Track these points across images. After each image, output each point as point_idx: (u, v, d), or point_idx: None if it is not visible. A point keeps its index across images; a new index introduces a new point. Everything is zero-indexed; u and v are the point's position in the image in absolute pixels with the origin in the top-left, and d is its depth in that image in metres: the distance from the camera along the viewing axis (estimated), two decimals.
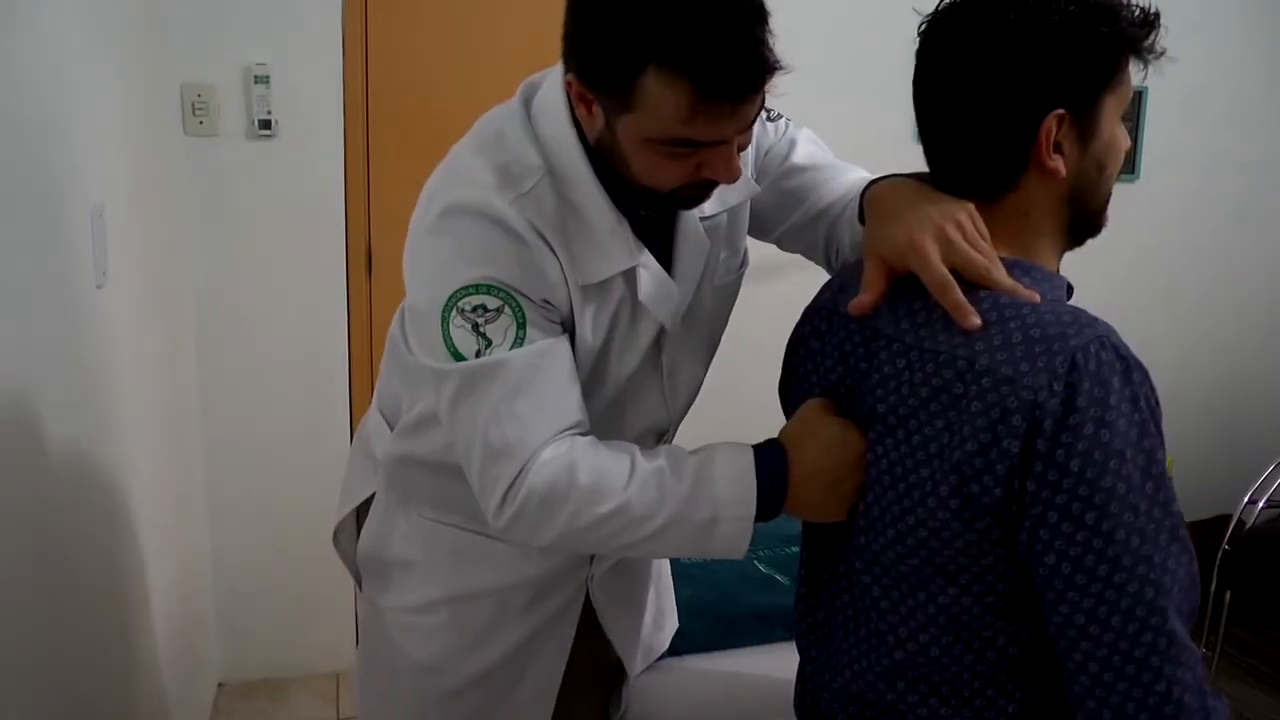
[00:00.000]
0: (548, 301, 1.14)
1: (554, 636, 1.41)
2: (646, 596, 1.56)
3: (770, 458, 1.10)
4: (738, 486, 1.09)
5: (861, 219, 1.15)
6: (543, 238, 1.13)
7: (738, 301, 1.39)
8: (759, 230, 1.38)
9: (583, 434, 1.14)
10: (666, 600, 1.65)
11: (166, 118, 2.49)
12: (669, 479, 1.10)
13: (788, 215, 1.34)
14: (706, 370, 1.38)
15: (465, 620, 1.37)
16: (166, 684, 2.06)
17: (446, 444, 1.20)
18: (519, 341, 1.11)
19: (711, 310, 1.34)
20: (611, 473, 1.10)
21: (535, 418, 1.10)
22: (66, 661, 1.40)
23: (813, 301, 1.21)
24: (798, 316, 1.23)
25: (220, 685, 2.84)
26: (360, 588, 1.50)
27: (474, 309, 1.10)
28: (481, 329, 1.10)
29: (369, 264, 2.76)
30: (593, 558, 1.41)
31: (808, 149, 1.35)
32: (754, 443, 1.14)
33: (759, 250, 1.42)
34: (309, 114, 2.63)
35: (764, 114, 1.34)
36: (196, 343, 2.65)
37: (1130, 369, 0.91)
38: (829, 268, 1.35)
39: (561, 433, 1.12)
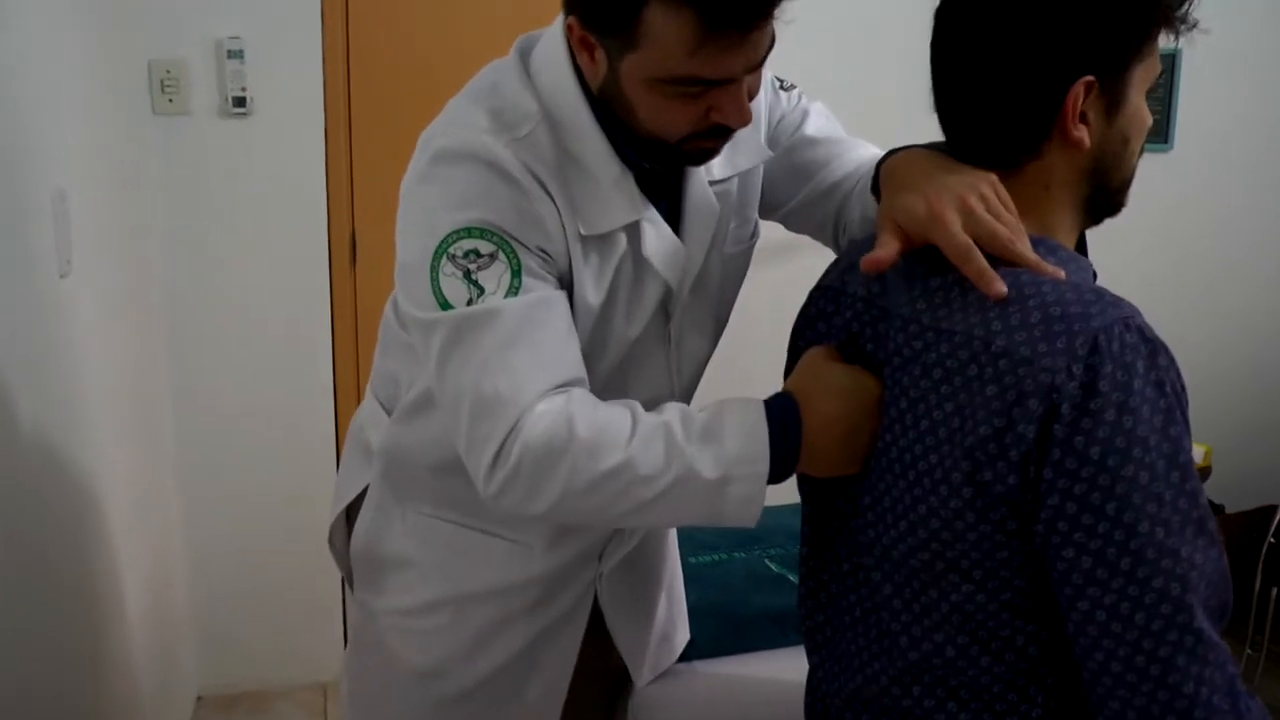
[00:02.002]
0: (544, 251, 1.14)
1: (560, 641, 1.41)
2: (657, 600, 1.56)
3: (782, 409, 1.09)
4: (750, 441, 1.07)
5: (875, 193, 1.16)
6: (540, 183, 1.14)
7: (747, 283, 1.40)
8: (767, 207, 1.39)
9: (580, 390, 1.13)
10: (678, 610, 1.65)
11: (133, 95, 2.49)
12: (676, 434, 1.08)
13: (797, 190, 1.35)
14: (713, 347, 1.39)
15: (465, 623, 1.37)
16: (142, 697, 2.07)
17: (447, 426, 1.19)
18: (513, 290, 1.10)
19: (720, 281, 1.34)
20: (613, 426, 1.08)
21: (530, 370, 1.09)
22: (35, 672, 1.41)
23: (819, 282, 1.21)
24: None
25: (199, 698, 2.85)
26: (352, 589, 1.49)
27: (466, 254, 1.10)
28: (473, 276, 1.10)
29: (353, 250, 2.76)
30: (601, 554, 1.41)
31: (820, 122, 1.36)
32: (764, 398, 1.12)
33: (769, 230, 1.42)
34: (287, 90, 2.63)
35: (777, 82, 1.35)
36: (168, 335, 2.66)
37: (1156, 352, 0.91)
38: (836, 248, 1.36)
39: (558, 387, 1.10)
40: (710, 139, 1.15)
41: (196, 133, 2.59)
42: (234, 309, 2.69)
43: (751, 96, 1.12)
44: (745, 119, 1.11)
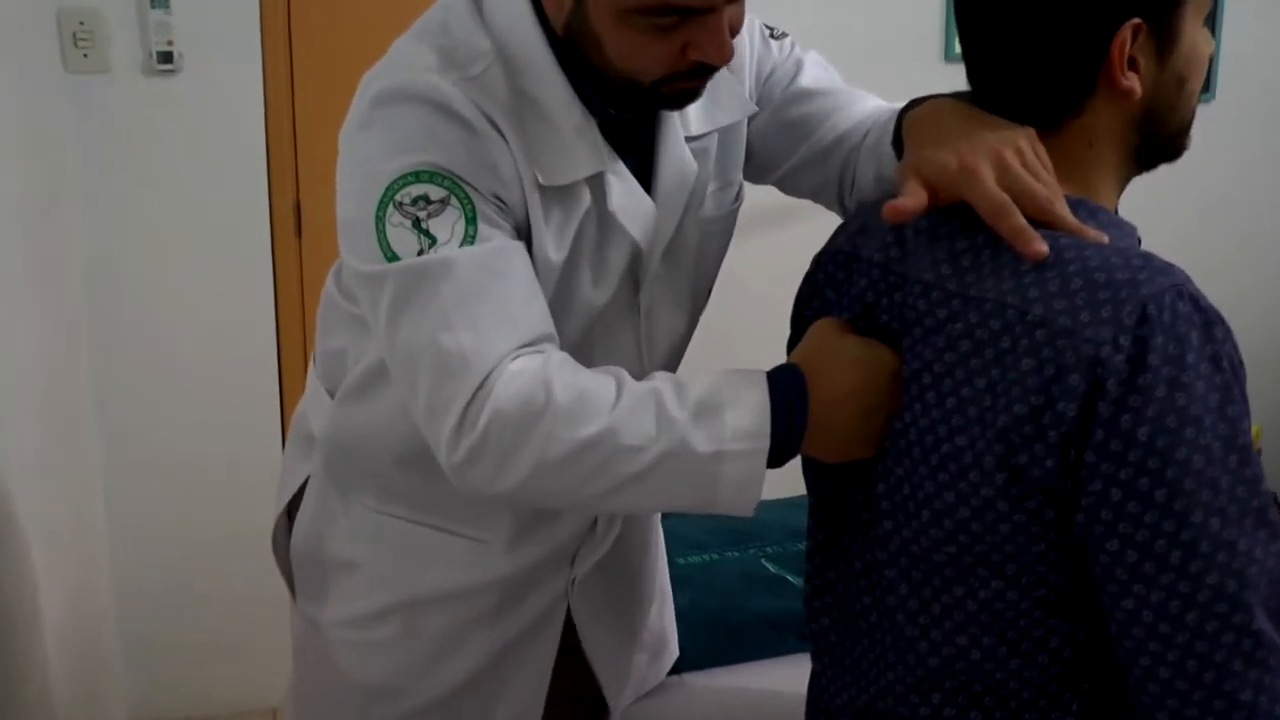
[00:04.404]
0: (499, 198, 1.14)
1: (530, 657, 1.40)
2: (639, 614, 1.55)
3: (787, 382, 1.08)
4: (750, 413, 1.06)
5: (896, 147, 1.15)
6: (494, 125, 1.14)
7: (736, 252, 1.39)
8: (760, 169, 1.39)
9: (556, 350, 1.13)
10: (669, 626, 1.66)
11: (40, 50, 2.45)
12: (667, 402, 1.07)
13: (795, 148, 1.35)
14: (691, 325, 1.39)
15: (419, 633, 1.36)
16: None
17: (400, 404, 1.18)
18: (469, 239, 1.10)
19: (698, 249, 1.33)
20: (595, 391, 1.07)
21: (495, 326, 1.08)
22: None
23: (826, 246, 1.20)
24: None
25: None
26: (294, 598, 1.49)
27: (415, 200, 1.10)
28: (424, 225, 1.09)
29: (298, 222, 2.74)
30: (573, 558, 1.40)
31: (816, 72, 1.36)
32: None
33: (763, 193, 1.41)
34: (219, 43, 2.60)
35: (766, 31, 1.36)
36: (89, 321, 2.63)
37: (1211, 323, 0.91)
38: (842, 211, 1.36)
39: (528, 345, 1.10)
40: (690, 79, 1.14)
41: (117, 93, 2.56)
42: (164, 289, 2.67)
43: (734, 32, 1.12)
44: (726, 55, 1.11)
